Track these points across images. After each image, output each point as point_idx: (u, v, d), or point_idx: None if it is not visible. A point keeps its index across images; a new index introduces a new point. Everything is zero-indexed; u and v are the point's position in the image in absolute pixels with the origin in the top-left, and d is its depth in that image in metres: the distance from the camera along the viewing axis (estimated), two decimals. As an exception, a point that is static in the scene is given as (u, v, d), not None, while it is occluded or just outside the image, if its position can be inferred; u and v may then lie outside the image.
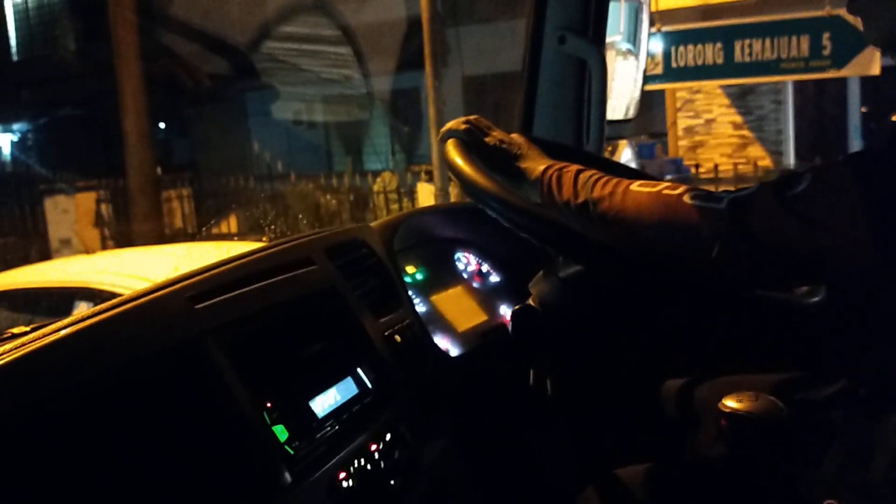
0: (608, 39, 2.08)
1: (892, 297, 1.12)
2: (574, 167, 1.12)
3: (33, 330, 0.94)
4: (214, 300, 1.05)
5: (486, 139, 1.21)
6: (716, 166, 6.70)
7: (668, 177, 8.14)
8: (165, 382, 0.94)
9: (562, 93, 1.85)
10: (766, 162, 8.74)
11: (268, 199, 10.06)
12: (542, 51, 1.81)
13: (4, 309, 4.31)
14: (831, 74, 7.36)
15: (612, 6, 2.07)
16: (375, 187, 9.33)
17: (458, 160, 1.14)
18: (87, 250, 8.39)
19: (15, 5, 18.48)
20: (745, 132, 9.26)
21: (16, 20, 18.11)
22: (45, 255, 9.72)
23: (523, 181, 1.17)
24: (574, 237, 1.07)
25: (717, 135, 9.39)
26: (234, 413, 0.98)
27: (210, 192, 10.64)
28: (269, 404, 1.03)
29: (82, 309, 3.08)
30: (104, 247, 9.83)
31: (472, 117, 1.25)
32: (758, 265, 0.95)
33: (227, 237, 9.11)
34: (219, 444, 0.95)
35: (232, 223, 10.06)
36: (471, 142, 1.19)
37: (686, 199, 0.99)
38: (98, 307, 0.94)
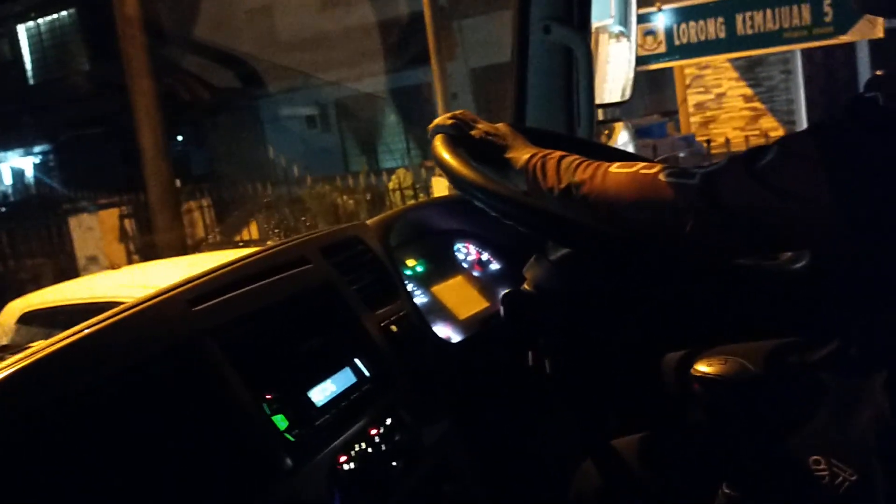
0: (601, 23, 2.11)
1: (866, 259, 1.15)
2: (557, 154, 1.15)
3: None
4: (211, 302, 1.11)
5: (472, 132, 1.24)
6: (727, 140, 6.67)
7: (681, 154, 8.10)
8: (167, 381, 1.00)
9: (551, 81, 1.88)
10: (778, 133, 8.66)
11: (286, 203, 10.14)
12: (528, 41, 1.83)
13: (36, 327, 4.42)
14: (834, 41, 7.28)
15: (602, -9, 2.10)
16: (391, 185, 9.35)
17: (445, 154, 1.17)
18: (113, 266, 8.52)
19: (28, 30, 18.73)
20: (757, 104, 9.18)
21: (30, 45, 18.36)
22: (73, 272, 9.85)
23: (510, 171, 1.20)
24: (556, 222, 1.10)
25: (728, 108, 9.32)
26: (234, 405, 1.04)
27: (229, 200, 10.74)
28: (268, 396, 1.09)
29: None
30: (130, 261, 9.95)
31: (458, 112, 1.28)
32: (731, 236, 0.98)
33: (248, 244, 9.21)
34: (221, 435, 1.01)
35: (253, 230, 10.15)
36: (458, 136, 1.22)
37: (661, 176, 1.02)
38: (102, 315, 1.00)
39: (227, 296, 1.14)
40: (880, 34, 7.02)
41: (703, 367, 1.09)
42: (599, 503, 1.28)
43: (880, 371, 1.03)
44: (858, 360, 1.14)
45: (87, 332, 0.96)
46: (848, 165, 0.87)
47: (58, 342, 0.93)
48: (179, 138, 15.22)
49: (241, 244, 9.27)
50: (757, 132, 8.72)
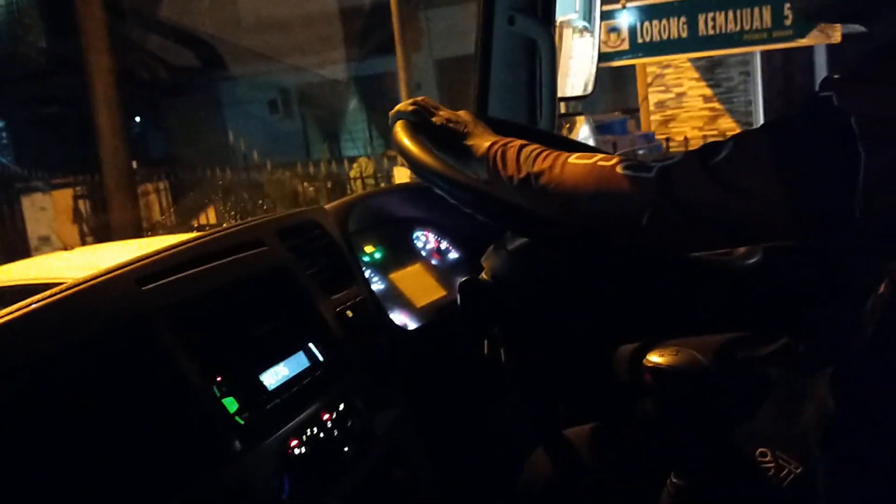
0: (565, 18, 2.12)
1: (815, 257, 1.17)
2: (518, 142, 1.15)
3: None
4: (162, 281, 1.09)
5: (434, 119, 1.23)
6: (686, 139, 6.77)
7: (641, 151, 8.18)
8: (113, 360, 0.98)
9: (514, 72, 1.88)
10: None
11: (245, 188, 10.04)
12: (493, 31, 1.83)
13: (-17, 308, 4.30)
14: (793, 44, 7.44)
15: (568, -16, 2.10)
16: (352, 173, 9.33)
17: (405, 140, 1.16)
18: (66, 247, 8.36)
19: (-18, 3, 18.21)
20: (716, 104, 9.31)
21: (-16, 18, 17.85)
22: (25, 253, 9.65)
23: (470, 158, 1.19)
24: (515, 211, 1.10)
25: (687, 108, 9.43)
26: (183, 387, 1.02)
27: (187, 183, 10.60)
28: (218, 378, 1.07)
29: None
30: (83, 243, 9.79)
31: (419, 98, 1.27)
32: (685, 231, 0.98)
33: (205, 228, 9.09)
34: (169, 416, 1.00)
35: (210, 214, 10.04)
36: (419, 122, 1.21)
37: (618, 169, 1.02)
38: (47, 292, 0.98)
39: (178, 276, 1.12)
40: (838, 39, 7.16)
41: (654, 358, 1.10)
42: (549, 491, 1.29)
43: (826, 368, 1.04)
44: (805, 357, 1.16)
45: (30, 308, 0.94)
46: (801, 163, 0.88)
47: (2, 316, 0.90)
48: (137, 119, 14.94)
49: (197, 228, 9.16)
50: (715, 132, 8.84)
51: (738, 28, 7.62)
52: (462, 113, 1.26)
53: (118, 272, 1.06)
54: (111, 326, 1.00)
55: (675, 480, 1.11)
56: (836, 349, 1.04)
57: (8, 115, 15.60)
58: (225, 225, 1.56)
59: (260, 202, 9.58)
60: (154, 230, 9.72)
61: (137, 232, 9.26)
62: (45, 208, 10.55)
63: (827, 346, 1.10)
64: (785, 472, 1.05)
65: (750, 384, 1.18)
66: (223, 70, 13.88)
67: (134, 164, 10.07)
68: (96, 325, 0.98)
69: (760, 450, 1.10)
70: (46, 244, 10.25)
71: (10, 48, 16.06)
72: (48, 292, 0.97)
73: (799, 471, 1.04)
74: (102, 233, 9.54)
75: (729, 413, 1.13)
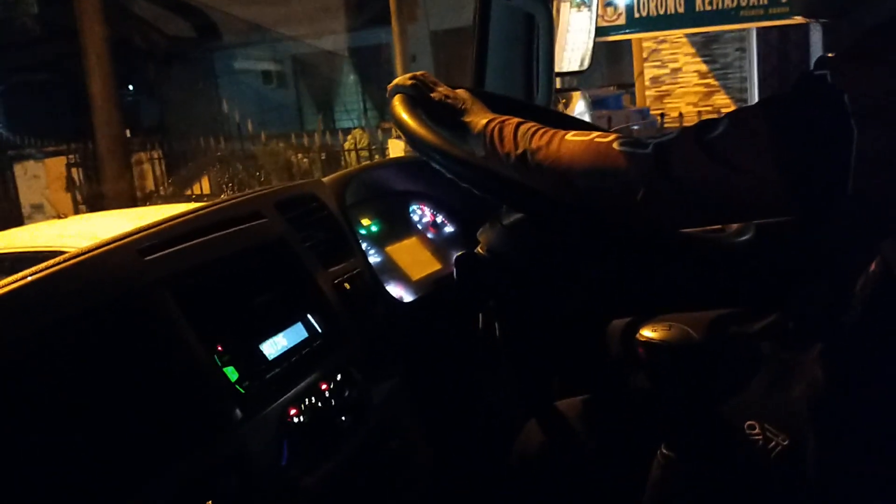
0: (563, -8, 2.12)
1: (807, 233, 1.19)
2: (515, 120, 1.16)
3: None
4: (163, 252, 1.10)
5: (432, 94, 1.24)
6: (680, 115, 6.79)
7: (635, 126, 8.18)
8: (116, 331, 0.99)
9: (511, 47, 1.89)
10: (730, 109, 8.81)
11: (239, 159, 10.01)
12: (491, 5, 1.83)
13: (-25, 276, 4.28)
14: (789, 21, 7.43)
15: (566, -40, 2.11)
16: (347, 145, 9.31)
17: (403, 114, 1.17)
18: (60, 215, 8.33)
19: (-27, -33, 17.94)
20: (711, 80, 9.31)
21: (-26, -17, 17.61)
22: (17, 220, 9.62)
23: (467, 135, 1.21)
24: (512, 187, 1.11)
25: (683, 84, 9.43)
26: (184, 356, 1.04)
27: (181, 153, 10.56)
28: (219, 348, 1.09)
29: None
30: (76, 211, 9.76)
31: (419, 73, 1.28)
32: (679, 206, 1.00)
33: (200, 198, 9.07)
34: (171, 385, 1.01)
35: (205, 184, 10.02)
36: (417, 97, 1.23)
37: (615, 145, 1.03)
38: (49, 262, 0.98)
39: (180, 246, 1.13)
40: (834, 18, 7.13)
41: (647, 333, 1.12)
42: (542, 463, 1.32)
43: (815, 343, 1.06)
44: (795, 333, 1.18)
45: (31, 278, 0.94)
46: (795, 140, 0.90)
47: (4, 286, 0.91)
48: (130, 87, 14.83)
49: (192, 198, 9.14)
50: (710, 108, 8.85)
51: (735, 4, 7.60)
52: (460, 90, 1.27)
53: (120, 242, 1.07)
54: (114, 296, 1.01)
55: (665, 452, 1.14)
56: (827, 325, 1.06)
57: (1, 82, 15.45)
58: (223, 196, 1.56)
59: (256, 173, 9.56)
60: (148, 199, 9.71)
61: (131, 201, 9.24)
62: (38, 176, 10.50)
63: (817, 322, 1.12)
64: (772, 444, 1.07)
65: (740, 359, 1.20)
66: (218, 39, 13.77)
67: (127, 133, 10.03)
68: (99, 294, 0.99)
69: (749, 422, 1.12)
70: (39, 212, 10.22)
71: (4, 15, 15.88)
72: (51, 262, 0.98)
73: (786, 443, 1.06)
74: (95, 201, 9.50)
75: (719, 386, 1.15)
